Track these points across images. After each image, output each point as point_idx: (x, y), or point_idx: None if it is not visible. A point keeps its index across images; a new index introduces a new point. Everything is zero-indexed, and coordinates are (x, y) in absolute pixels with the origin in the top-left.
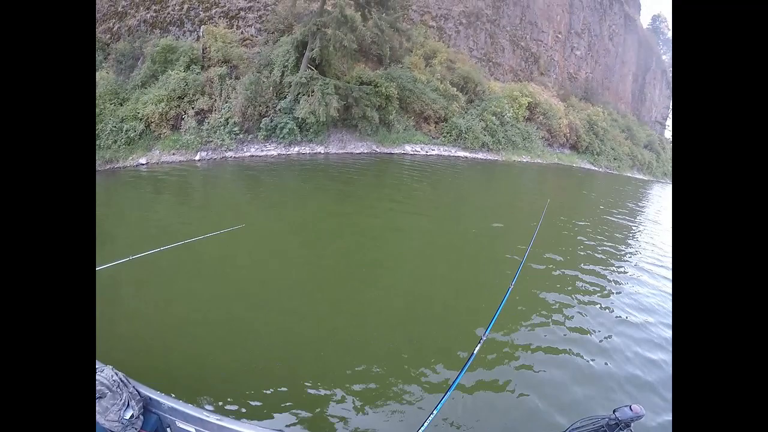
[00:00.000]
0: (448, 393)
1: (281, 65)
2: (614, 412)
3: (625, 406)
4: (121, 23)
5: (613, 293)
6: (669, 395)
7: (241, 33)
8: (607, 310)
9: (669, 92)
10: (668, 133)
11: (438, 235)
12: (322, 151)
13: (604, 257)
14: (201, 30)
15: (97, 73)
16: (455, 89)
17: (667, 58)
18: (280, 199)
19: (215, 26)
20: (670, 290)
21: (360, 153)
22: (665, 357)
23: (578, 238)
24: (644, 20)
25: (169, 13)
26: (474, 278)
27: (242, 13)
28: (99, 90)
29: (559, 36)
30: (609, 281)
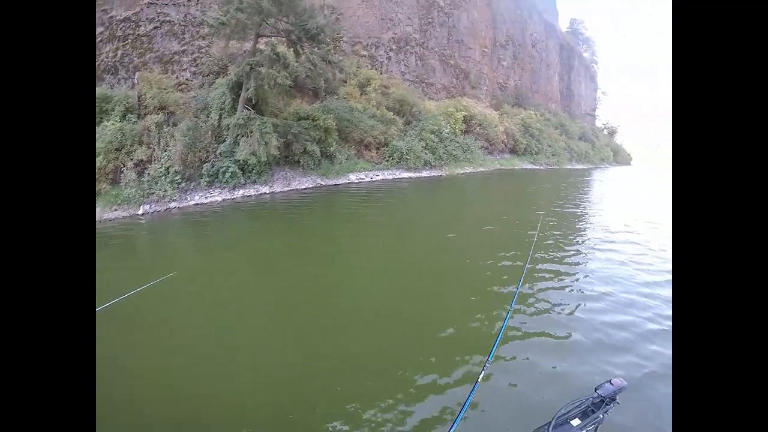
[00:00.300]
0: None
1: (218, 108)
2: (596, 390)
3: (606, 382)
4: None
5: (570, 275)
6: (642, 352)
7: (177, 77)
8: (567, 290)
9: (594, 85)
10: (599, 122)
11: (396, 253)
12: (267, 191)
13: (560, 245)
14: (136, 77)
15: None
16: (392, 113)
17: (588, 55)
18: (230, 243)
19: (150, 72)
20: (621, 259)
21: (305, 188)
22: (630, 319)
23: (529, 232)
24: (563, 24)
25: (102, 61)
26: (438, 289)
27: (176, 57)
28: None
29: (486, 50)
30: (565, 264)
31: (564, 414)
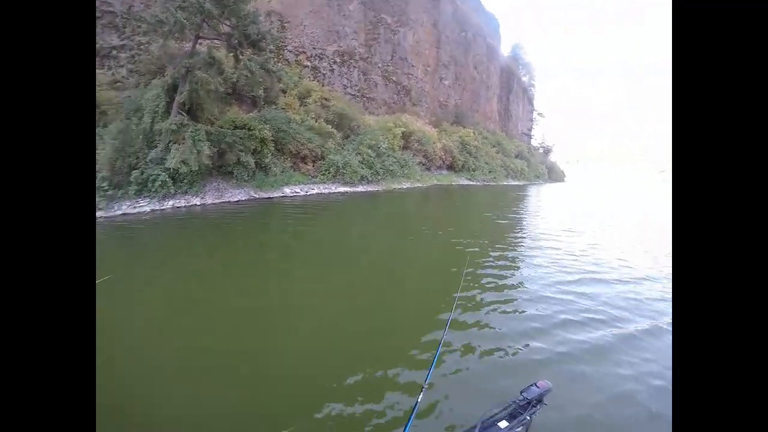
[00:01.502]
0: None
1: (152, 111)
2: (521, 393)
3: (531, 385)
4: None
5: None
6: (562, 334)
7: (113, 74)
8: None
9: (531, 107)
10: (534, 142)
11: (328, 265)
12: (198, 203)
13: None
14: None
15: None
16: (330, 126)
17: (526, 79)
18: (160, 259)
19: None
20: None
21: (238, 201)
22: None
23: (468, 250)
24: (505, 49)
25: None
26: (376, 301)
27: (114, 52)
28: None
29: (428, 69)
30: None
31: (490, 417)
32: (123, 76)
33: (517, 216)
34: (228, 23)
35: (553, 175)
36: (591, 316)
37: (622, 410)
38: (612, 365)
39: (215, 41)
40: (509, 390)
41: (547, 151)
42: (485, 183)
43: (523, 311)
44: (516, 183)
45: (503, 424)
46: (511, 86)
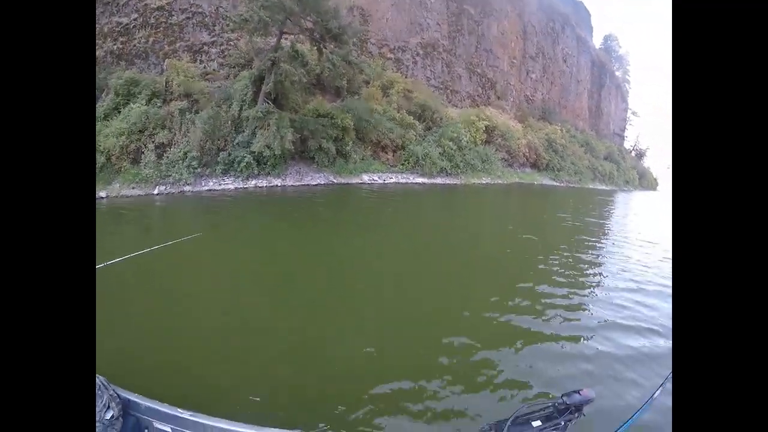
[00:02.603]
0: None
1: (240, 99)
2: (562, 396)
3: (575, 391)
4: None
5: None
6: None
7: (204, 67)
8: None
9: (624, 105)
10: (627, 144)
11: (403, 255)
12: (279, 184)
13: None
14: (165, 64)
15: None
16: (412, 118)
17: (620, 73)
18: (242, 227)
19: (179, 60)
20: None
21: (317, 184)
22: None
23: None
24: (596, 40)
25: (135, 46)
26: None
27: (206, 48)
28: None
29: (514, 61)
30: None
31: (525, 414)
32: (214, 69)
33: (599, 222)
34: (310, 19)
35: (645, 182)
36: (648, 326)
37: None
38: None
39: (299, 36)
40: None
41: (640, 155)
42: (570, 184)
43: (583, 311)
44: (603, 187)
45: (536, 423)
46: (603, 81)
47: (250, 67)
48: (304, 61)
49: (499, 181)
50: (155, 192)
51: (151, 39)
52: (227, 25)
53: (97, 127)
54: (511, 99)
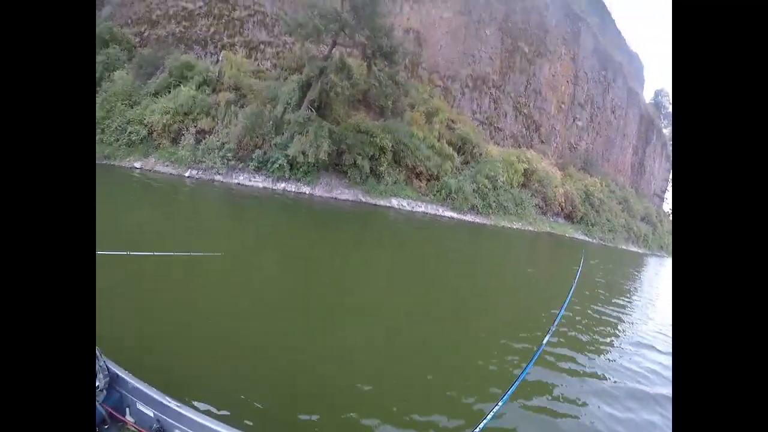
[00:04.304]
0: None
1: (285, 102)
2: None
3: None
4: (152, 31)
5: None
6: None
7: (258, 65)
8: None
9: (668, 165)
10: (666, 206)
11: (421, 293)
12: (308, 192)
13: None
14: (221, 55)
15: (117, 72)
16: (452, 149)
17: (667, 131)
18: (265, 231)
19: (234, 54)
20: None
21: (345, 199)
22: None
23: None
24: (647, 94)
25: (196, 32)
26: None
27: (262, 47)
28: (115, 88)
29: (562, 106)
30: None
31: None
32: (267, 68)
33: (626, 287)
34: (363, 33)
35: None
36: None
37: None
38: None
39: (352, 50)
40: None
41: None
42: (602, 242)
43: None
44: (635, 249)
45: None
46: (650, 138)
47: (301, 73)
48: (350, 74)
49: (530, 228)
50: (186, 174)
51: (212, 29)
52: (287, 27)
53: (145, 102)
54: (554, 145)
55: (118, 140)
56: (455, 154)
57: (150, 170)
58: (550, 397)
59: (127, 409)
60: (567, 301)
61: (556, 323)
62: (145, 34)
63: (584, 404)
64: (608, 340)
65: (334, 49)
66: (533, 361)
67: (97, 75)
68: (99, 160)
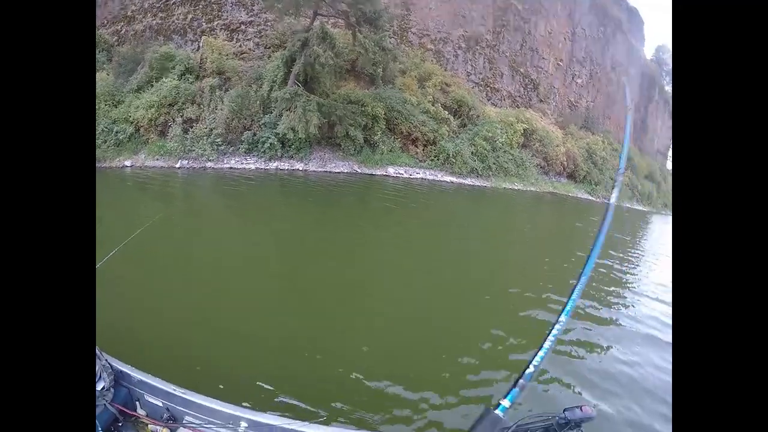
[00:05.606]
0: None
1: (270, 80)
2: (564, 411)
3: (576, 406)
4: (129, 27)
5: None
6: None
7: (240, 46)
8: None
9: (671, 122)
10: (669, 164)
11: (420, 267)
12: (301, 168)
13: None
14: (201, 41)
15: (97, 75)
16: (447, 112)
17: (669, 89)
18: (257, 210)
19: (215, 38)
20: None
21: (340, 172)
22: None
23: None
24: (648, 51)
25: (173, 22)
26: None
27: (243, 27)
28: (96, 90)
29: (560, 63)
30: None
31: (526, 424)
32: (249, 48)
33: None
34: (344, 1)
35: None
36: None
37: None
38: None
39: (337, 20)
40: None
41: None
42: (605, 201)
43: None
44: (640, 208)
45: None
46: (651, 95)
47: (285, 49)
48: (333, 43)
49: (532, 189)
50: (177, 165)
51: (189, 16)
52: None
53: (129, 99)
54: (554, 103)
55: (105, 142)
56: (451, 118)
57: (141, 167)
58: (579, 341)
59: (137, 403)
60: (591, 263)
61: (582, 282)
62: (122, 32)
63: (608, 348)
64: (621, 291)
65: (316, 20)
66: (566, 312)
67: None
68: None
